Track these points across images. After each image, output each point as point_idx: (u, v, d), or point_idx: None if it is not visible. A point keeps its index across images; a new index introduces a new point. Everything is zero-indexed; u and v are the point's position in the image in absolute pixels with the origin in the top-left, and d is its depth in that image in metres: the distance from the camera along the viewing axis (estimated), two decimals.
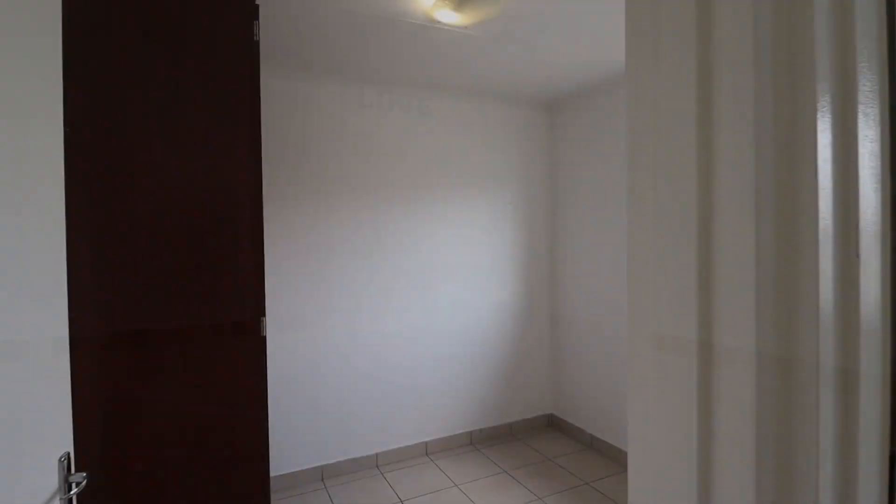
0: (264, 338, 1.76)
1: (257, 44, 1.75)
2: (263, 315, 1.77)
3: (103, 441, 1.49)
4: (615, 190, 3.17)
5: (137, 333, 1.56)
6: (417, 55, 2.67)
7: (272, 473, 2.78)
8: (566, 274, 3.63)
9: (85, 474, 0.93)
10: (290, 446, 2.89)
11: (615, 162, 3.17)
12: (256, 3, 1.74)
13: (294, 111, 2.86)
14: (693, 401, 0.73)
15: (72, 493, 0.91)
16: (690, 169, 0.72)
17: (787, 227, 0.66)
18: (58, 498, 0.89)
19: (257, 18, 1.74)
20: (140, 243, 1.56)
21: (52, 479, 0.89)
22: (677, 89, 0.74)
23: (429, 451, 3.32)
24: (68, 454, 0.92)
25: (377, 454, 3.15)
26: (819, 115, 0.62)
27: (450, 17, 2.19)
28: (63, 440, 0.94)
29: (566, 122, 3.60)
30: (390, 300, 3.18)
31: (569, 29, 2.34)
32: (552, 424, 3.77)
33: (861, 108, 0.61)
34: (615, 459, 3.18)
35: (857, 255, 0.61)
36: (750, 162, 0.67)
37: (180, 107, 1.64)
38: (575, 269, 3.54)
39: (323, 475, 2.99)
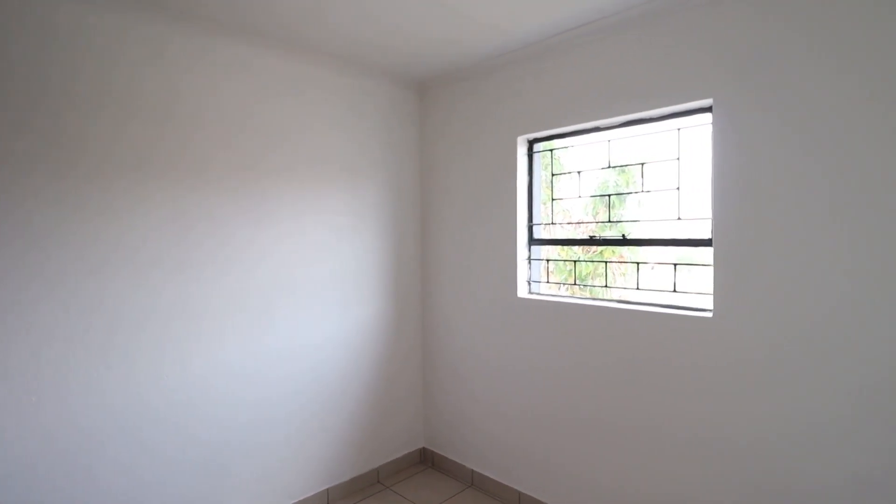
0: None
1: None
2: None
3: None
4: (497, 186, 2.74)
5: None
6: None
7: None
8: (440, 281, 3.11)
9: None
10: None
11: (498, 153, 2.73)
12: None
13: (44, 43, 1.81)
14: None
15: None
16: None
17: None
18: None
19: None
20: None
21: None
22: None
23: None
24: None
25: None
26: None
27: None
28: None
29: (440, 104, 3.07)
30: (213, 330, 2.28)
31: None
32: (425, 461, 3.22)
33: None
34: (503, 499, 2.74)
35: None
36: None
37: None
38: (450, 275, 3.04)
39: None
